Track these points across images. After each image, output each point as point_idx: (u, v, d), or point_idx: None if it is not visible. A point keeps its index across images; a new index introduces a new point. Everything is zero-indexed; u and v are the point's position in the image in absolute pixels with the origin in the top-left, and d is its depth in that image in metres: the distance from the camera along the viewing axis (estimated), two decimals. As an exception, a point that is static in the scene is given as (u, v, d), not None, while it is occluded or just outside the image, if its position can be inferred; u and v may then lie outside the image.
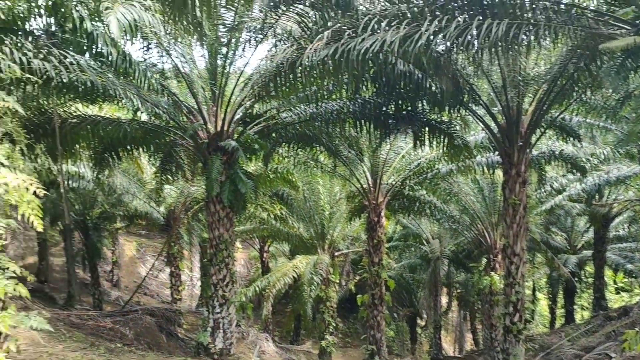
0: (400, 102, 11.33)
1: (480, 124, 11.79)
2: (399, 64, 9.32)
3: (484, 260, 19.85)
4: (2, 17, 8.32)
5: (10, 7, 9.32)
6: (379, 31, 7.30)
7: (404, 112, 11.55)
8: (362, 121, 11.89)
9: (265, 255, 24.30)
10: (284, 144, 13.44)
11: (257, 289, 17.26)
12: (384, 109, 11.60)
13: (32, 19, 9.91)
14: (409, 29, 6.86)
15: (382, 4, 8.11)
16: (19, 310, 5.98)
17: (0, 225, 5.59)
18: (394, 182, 15.91)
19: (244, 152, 11.63)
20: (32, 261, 22.87)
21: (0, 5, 9.02)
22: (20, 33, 9.93)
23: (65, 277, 21.77)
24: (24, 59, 8.44)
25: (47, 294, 19.54)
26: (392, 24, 7.14)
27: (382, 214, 15.71)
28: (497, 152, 12.43)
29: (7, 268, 5.71)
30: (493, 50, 7.74)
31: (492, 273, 16.87)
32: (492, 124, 11.36)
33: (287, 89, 10.65)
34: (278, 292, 18.25)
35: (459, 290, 28.02)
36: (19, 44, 9.09)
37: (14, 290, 5.65)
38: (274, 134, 12.82)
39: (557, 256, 23.32)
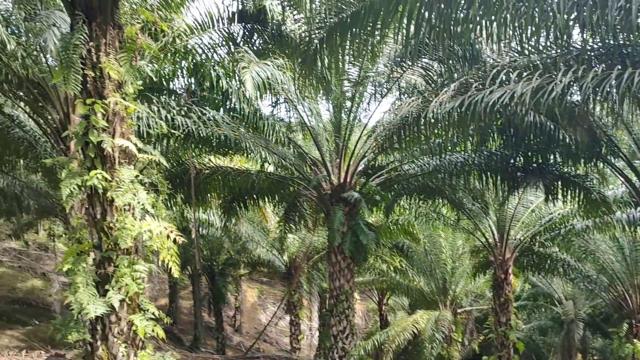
0: (529, 154, 10.87)
1: (620, 177, 10.95)
2: (529, 115, 9.00)
3: (625, 326, 18.08)
4: (153, 78, 9.15)
5: (158, 69, 10.31)
6: (507, 82, 7.13)
7: (534, 165, 11.06)
8: (488, 173, 11.54)
9: (384, 308, 23.92)
10: (405, 195, 13.35)
11: (376, 342, 16.93)
12: (512, 161, 11.18)
13: (176, 79, 10.90)
14: (542, 80, 6.62)
15: (512, 55, 7.95)
16: (154, 350, 6.32)
17: (143, 269, 6.00)
18: (522, 238, 15.13)
19: (366, 203, 11.70)
20: (163, 303, 24.29)
21: (150, 67, 10.01)
22: (165, 92, 10.94)
23: (192, 320, 22.83)
24: (168, 116, 9.24)
25: (176, 335, 20.56)
26: (523, 76, 6.94)
27: (510, 270, 14.93)
28: (639, 208, 11.46)
29: (147, 310, 6.10)
30: (634, 100, 7.23)
31: (635, 340, 15.33)
32: (634, 178, 10.51)
33: (411, 141, 10.65)
34: (397, 347, 17.81)
35: (595, 357, 25.68)
36: (165, 102, 9.99)
37: (152, 330, 6.00)
38: (395, 186, 12.80)
39: None
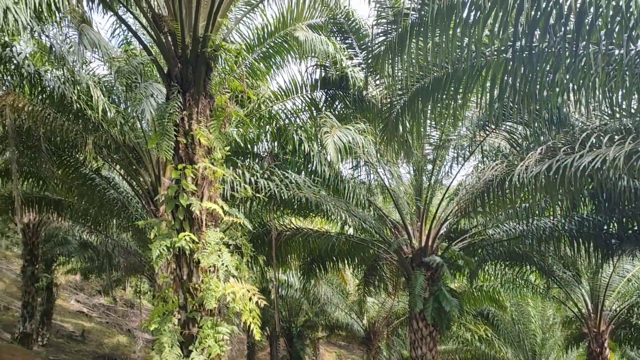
0: (624, 220, 10.26)
1: None
2: (622, 179, 8.57)
3: None
4: (240, 143, 9.53)
5: (244, 134, 10.75)
6: (598, 146, 6.86)
7: (630, 231, 10.41)
8: (580, 240, 10.96)
9: (467, 379, 22.73)
10: (490, 261, 12.90)
11: (460, 416, 16.05)
12: (605, 227, 10.59)
13: (259, 143, 11.29)
14: (635, 144, 6.32)
15: (602, 118, 7.68)
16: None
17: (225, 331, 6.07)
18: (618, 309, 14.12)
19: (449, 268, 11.38)
20: (241, 364, 24.28)
21: (236, 132, 10.46)
22: (249, 155, 11.33)
23: (269, 383, 22.63)
24: (252, 179, 9.53)
25: (253, 398, 20.39)
26: (615, 139, 6.66)
27: (606, 344, 13.89)
28: None
29: (228, 373, 6.12)
30: None
31: None
32: None
33: (495, 205, 10.34)
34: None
35: None
36: (249, 166, 10.34)
37: (232, 395, 6.00)
38: (480, 251, 12.41)
39: None
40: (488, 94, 6.65)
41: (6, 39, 9.74)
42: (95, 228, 15.54)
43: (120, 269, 19.69)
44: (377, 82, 10.20)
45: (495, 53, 6.23)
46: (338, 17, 11.21)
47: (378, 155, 11.62)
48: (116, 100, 11.32)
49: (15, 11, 8.96)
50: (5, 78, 10.46)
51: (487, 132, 10.11)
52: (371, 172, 12.10)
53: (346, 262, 13.92)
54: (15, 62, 9.51)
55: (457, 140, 10.99)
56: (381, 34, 6.75)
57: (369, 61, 8.82)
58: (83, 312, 25.71)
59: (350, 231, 12.87)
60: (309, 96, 11.20)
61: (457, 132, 10.85)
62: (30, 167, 12.62)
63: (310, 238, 12.44)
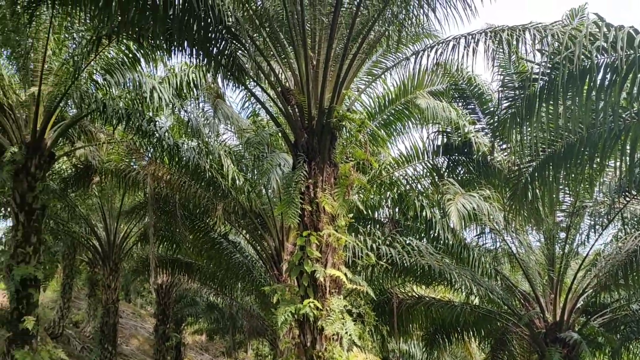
0: None
1: None
2: None
3: None
4: (362, 210, 9.59)
5: (365, 200, 10.82)
6: None
7: None
8: None
9: None
10: (635, 339, 11.63)
11: None
12: None
13: (380, 209, 11.28)
14: None
15: None
16: None
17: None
18: None
19: (587, 346, 10.42)
20: None
21: (356, 197, 10.56)
22: (370, 221, 11.34)
23: None
24: (374, 245, 9.49)
25: None
26: None
27: None
28: None
29: None
30: None
31: None
32: None
33: (639, 278, 9.44)
34: None
35: None
36: (370, 232, 10.33)
37: None
38: (622, 328, 11.27)
39: None
40: (628, 159, 6.18)
41: (150, 114, 10.75)
42: (222, 290, 16.14)
43: (244, 331, 20.15)
44: (503, 146, 9.90)
45: (635, 116, 5.82)
46: (460, 82, 11.18)
47: (505, 222, 11.13)
48: (244, 169, 11.94)
49: (160, 90, 9.96)
50: (148, 149, 11.48)
51: (628, 199, 9.36)
52: (498, 239, 11.58)
53: (471, 333, 13.26)
54: (157, 135, 10.40)
55: (593, 207, 10.27)
56: (507, 99, 6.58)
57: (495, 125, 8.61)
58: (207, 372, 26.42)
59: (476, 301, 12.28)
60: (431, 162, 11.12)
61: (593, 199, 10.14)
62: (166, 232, 13.54)
63: (433, 307, 12.04)
